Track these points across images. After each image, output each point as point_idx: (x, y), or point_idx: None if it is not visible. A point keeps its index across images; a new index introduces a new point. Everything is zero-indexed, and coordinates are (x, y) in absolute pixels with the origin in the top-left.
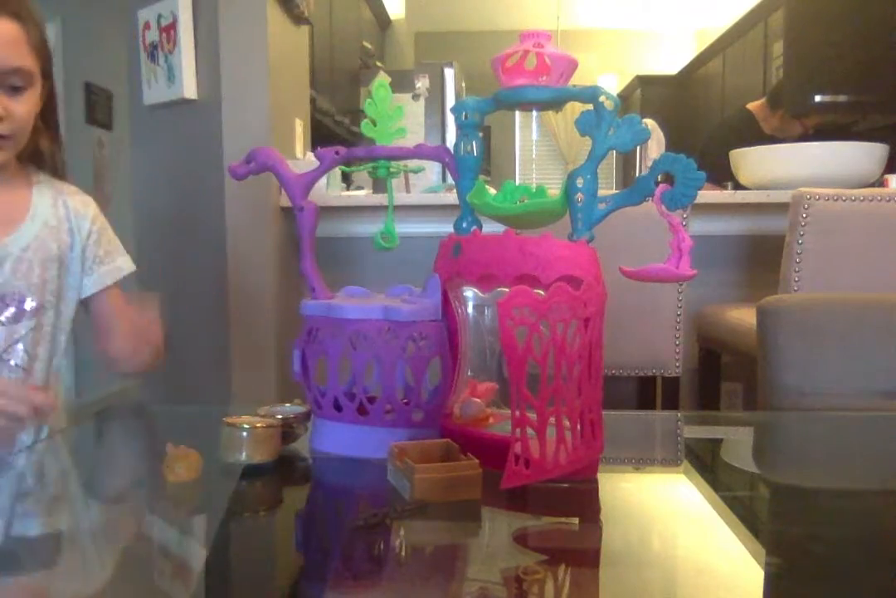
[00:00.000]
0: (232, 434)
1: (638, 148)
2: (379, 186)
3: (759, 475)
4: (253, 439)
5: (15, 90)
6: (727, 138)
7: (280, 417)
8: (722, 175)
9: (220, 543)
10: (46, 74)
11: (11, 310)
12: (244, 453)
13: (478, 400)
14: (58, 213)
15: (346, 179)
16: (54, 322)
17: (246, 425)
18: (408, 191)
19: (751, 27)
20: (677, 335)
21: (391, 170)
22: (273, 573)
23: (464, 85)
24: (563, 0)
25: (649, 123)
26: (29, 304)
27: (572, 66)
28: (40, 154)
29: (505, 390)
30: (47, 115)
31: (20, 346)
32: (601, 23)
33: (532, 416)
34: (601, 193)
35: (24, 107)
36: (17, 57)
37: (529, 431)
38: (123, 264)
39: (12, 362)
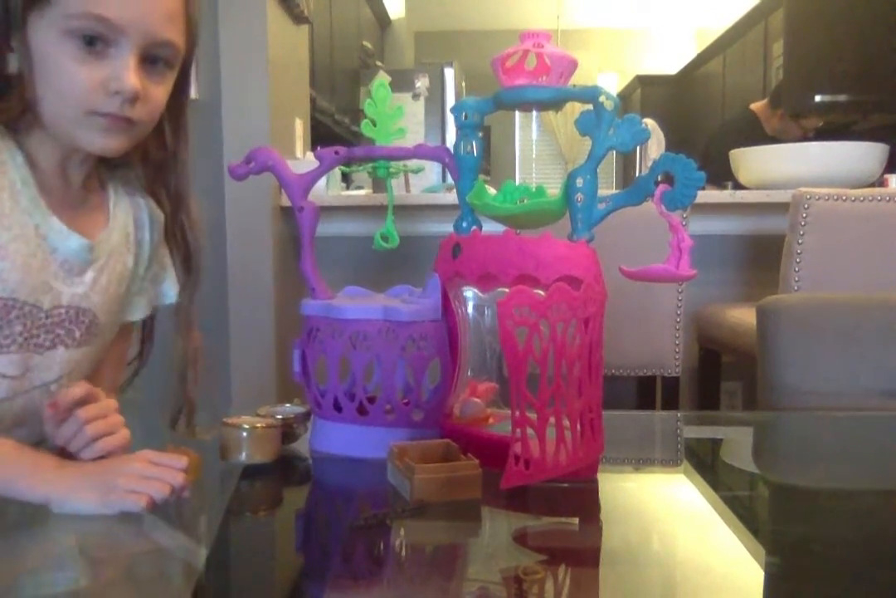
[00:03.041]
0: (232, 434)
1: (638, 148)
2: (379, 186)
3: (759, 475)
4: (253, 440)
5: (155, 70)
6: (730, 139)
7: (280, 417)
8: (723, 176)
9: (220, 543)
10: (187, 63)
11: (82, 330)
12: (244, 454)
13: (478, 400)
14: (135, 216)
15: (346, 179)
16: (100, 350)
17: (246, 426)
18: (408, 191)
19: (751, 27)
20: (677, 335)
21: (391, 170)
22: (273, 573)
23: (464, 85)
24: (563, 0)
25: (649, 122)
26: (97, 325)
27: (572, 65)
28: (145, 157)
29: (505, 390)
30: (172, 112)
31: (73, 375)
32: (601, 22)
33: (532, 416)
34: (601, 193)
35: (161, 91)
36: (172, 30)
37: (529, 431)
38: (169, 289)
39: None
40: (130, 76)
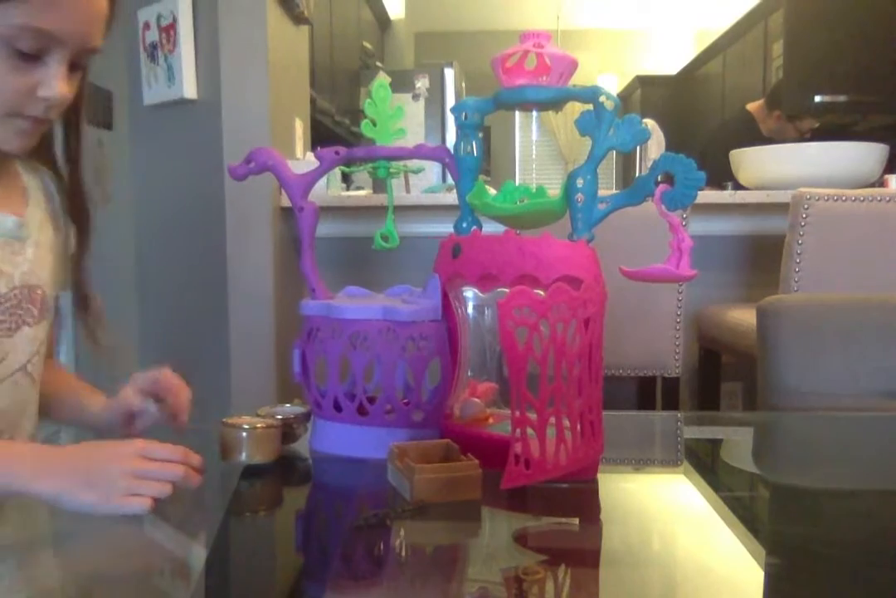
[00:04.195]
0: (232, 435)
1: (638, 148)
2: (379, 186)
3: (759, 475)
4: (253, 440)
5: (74, 72)
6: (727, 139)
7: (280, 417)
8: (722, 176)
9: (220, 543)
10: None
11: (37, 306)
12: (244, 454)
13: (478, 400)
14: (47, 191)
15: (346, 179)
16: (50, 324)
17: (246, 426)
18: (408, 191)
19: (751, 27)
20: (677, 335)
21: (391, 170)
22: (273, 573)
23: (464, 85)
24: (563, 0)
25: (649, 123)
26: (47, 300)
27: (572, 66)
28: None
29: (505, 390)
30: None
31: (39, 352)
32: (601, 23)
33: (532, 416)
34: (601, 193)
35: (75, 91)
36: (99, 36)
37: (529, 431)
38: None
39: (35, 374)
40: (61, 84)
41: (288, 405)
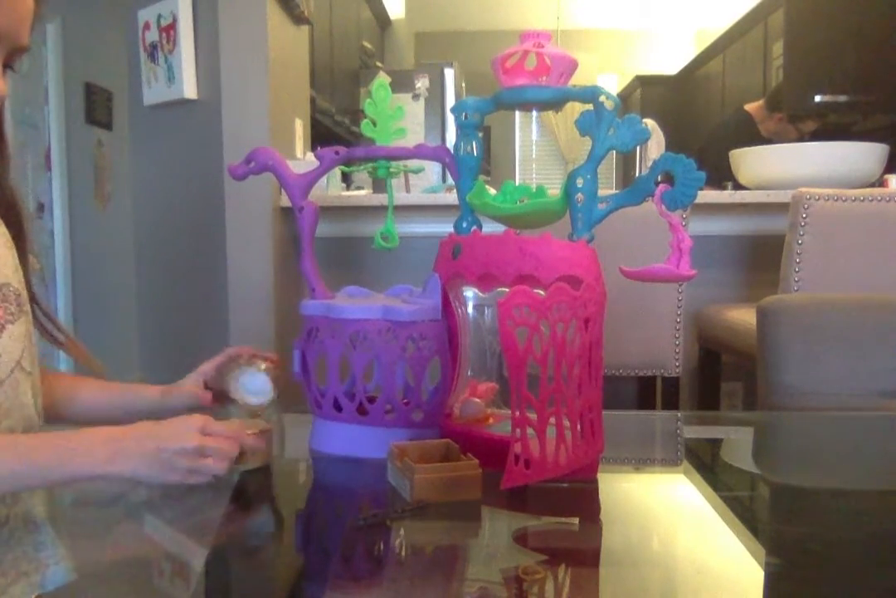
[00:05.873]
0: None
1: (638, 148)
2: (379, 186)
3: (759, 475)
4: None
5: (4, 70)
6: (725, 140)
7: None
8: (720, 176)
9: (220, 543)
10: None
11: (13, 303)
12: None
13: (478, 400)
14: None
15: (346, 179)
16: (30, 320)
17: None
18: (408, 191)
19: (751, 27)
20: (677, 335)
21: (391, 170)
22: (273, 573)
23: (464, 85)
24: (563, 0)
25: (649, 123)
26: (21, 295)
27: (572, 66)
28: None
29: (505, 390)
30: None
31: (28, 348)
32: (601, 23)
33: (532, 416)
34: (601, 193)
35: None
36: (28, 35)
37: (529, 431)
38: None
39: (29, 368)
40: (1, 83)
41: (252, 369)
